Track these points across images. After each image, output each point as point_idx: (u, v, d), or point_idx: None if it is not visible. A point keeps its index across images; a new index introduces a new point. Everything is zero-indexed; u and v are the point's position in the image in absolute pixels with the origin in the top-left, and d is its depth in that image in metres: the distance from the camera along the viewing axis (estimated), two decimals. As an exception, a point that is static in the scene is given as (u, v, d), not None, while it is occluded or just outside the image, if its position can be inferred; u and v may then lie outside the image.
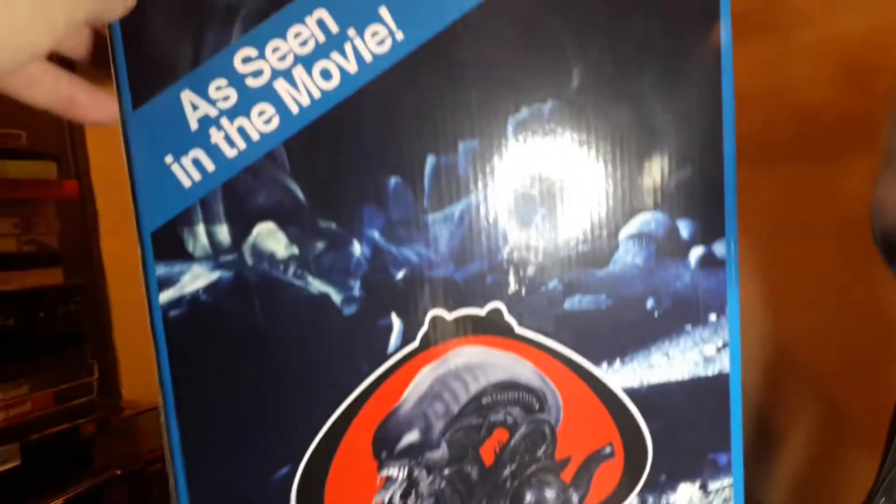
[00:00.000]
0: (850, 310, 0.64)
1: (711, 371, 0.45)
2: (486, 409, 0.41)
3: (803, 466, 0.72)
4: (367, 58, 0.39)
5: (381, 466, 0.40)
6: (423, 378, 0.40)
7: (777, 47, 0.67)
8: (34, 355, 0.91)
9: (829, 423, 0.69)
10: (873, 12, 0.64)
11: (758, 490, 0.74)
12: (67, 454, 0.90)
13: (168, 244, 0.37)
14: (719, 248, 0.44)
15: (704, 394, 0.45)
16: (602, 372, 0.43)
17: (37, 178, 0.92)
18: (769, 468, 0.73)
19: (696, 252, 0.44)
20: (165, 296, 0.37)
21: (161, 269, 0.37)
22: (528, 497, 0.43)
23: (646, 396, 0.44)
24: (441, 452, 0.41)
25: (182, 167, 0.37)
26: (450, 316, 0.40)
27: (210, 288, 0.38)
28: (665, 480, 0.45)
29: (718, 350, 0.45)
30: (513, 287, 0.41)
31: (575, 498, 0.44)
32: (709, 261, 0.44)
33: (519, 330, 0.41)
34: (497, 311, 0.41)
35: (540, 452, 0.43)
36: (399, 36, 0.39)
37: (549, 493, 0.43)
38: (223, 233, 0.37)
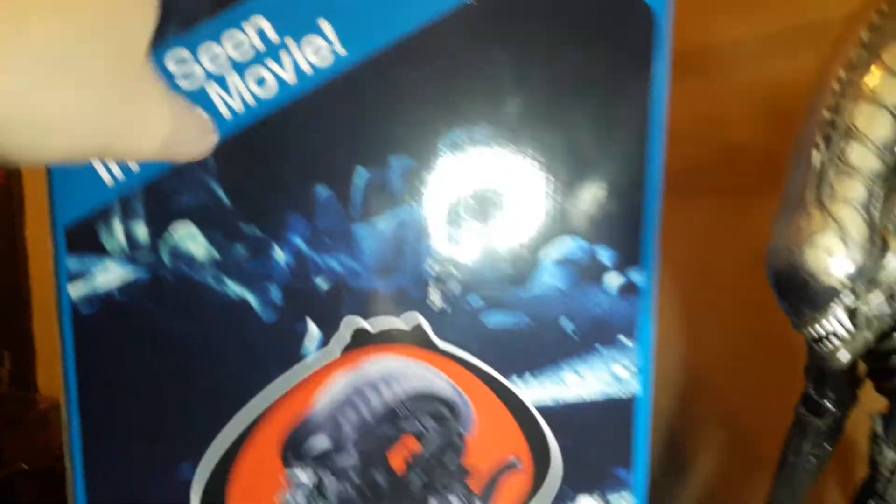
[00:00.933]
0: (762, 338, 0.67)
1: (622, 392, 0.47)
2: (399, 419, 0.42)
3: (711, 487, 0.75)
4: (307, 69, 0.39)
5: (288, 469, 0.41)
6: (337, 385, 0.41)
7: (712, 87, 0.70)
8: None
9: (736, 447, 0.73)
10: (805, 59, 0.68)
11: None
12: (-27, 447, 0.87)
13: (82, 238, 0.36)
14: (636, 276, 0.46)
15: (613, 413, 0.47)
16: (515, 387, 0.45)
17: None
18: (679, 488, 0.77)
19: (614, 278, 0.46)
20: (77, 291, 0.37)
21: (73, 263, 0.36)
22: None
23: (556, 412, 0.46)
24: (351, 459, 0.41)
25: (105, 164, 0.37)
26: (370, 326, 0.41)
27: (126, 288, 0.38)
28: (567, 492, 0.47)
29: (630, 372, 0.47)
30: (435, 301, 0.42)
31: None
32: (626, 287, 0.46)
33: (438, 343, 0.43)
34: (417, 325, 0.42)
35: (449, 461, 0.44)
36: (341, 51, 0.39)
37: (455, 501, 0.44)
38: (141, 230, 0.37)
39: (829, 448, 0.50)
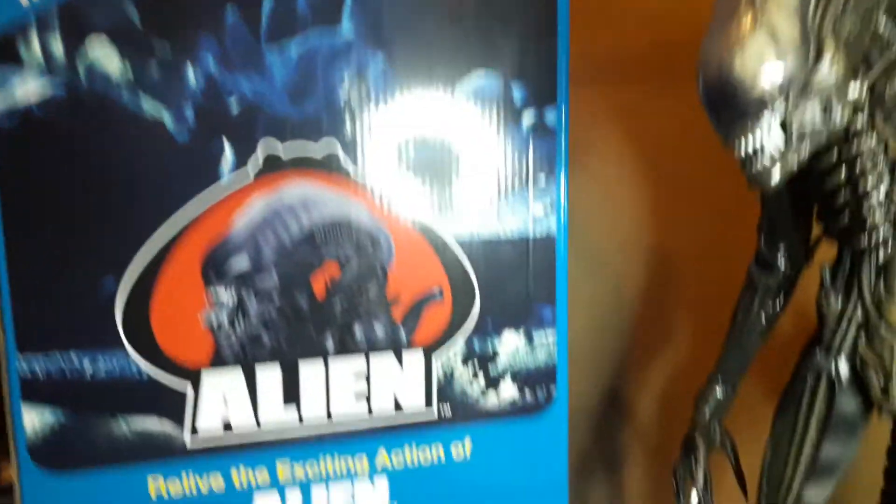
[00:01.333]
0: (693, 206, 0.69)
1: (539, 230, 0.48)
2: (318, 244, 0.44)
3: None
4: None
5: (209, 288, 0.42)
6: (254, 207, 0.42)
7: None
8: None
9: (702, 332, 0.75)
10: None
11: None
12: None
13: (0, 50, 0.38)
14: (551, 115, 0.47)
15: (532, 250, 0.49)
16: (434, 221, 0.46)
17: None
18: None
19: (528, 116, 0.47)
20: (-10, 98, 0.38)
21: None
22: (358, 331, 0.46)
23: (475, 247, 0.47)
24: (271, 281, 0.43)
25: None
26: (283, 148, 0.42)
27: (44, 104, 0.39)
28: (491, 327, 0.49)
29: (546, 211, 0.48)
30: (349, 129, 0.43)
31: (403, 335, 0.47)
32: (540, 126, 0.47)
33: (353, 171, 0.44)
34: (333, 149, 0.43)
35: (371, 290, 0.45)
36: None
37: (379, 329, 0.46)
38: (57, 45, 0.38)
39: (779, 307, 0.50)
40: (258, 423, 0.45)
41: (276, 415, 0.46)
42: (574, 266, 0.67)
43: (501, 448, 0.51)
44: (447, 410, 0.49)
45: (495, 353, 0.49)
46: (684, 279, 0.75)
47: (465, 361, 0.49)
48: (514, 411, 0.51)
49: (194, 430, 0.44)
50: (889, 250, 0.41)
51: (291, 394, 0.46)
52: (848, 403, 0.44)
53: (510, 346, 0.49)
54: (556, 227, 0.49)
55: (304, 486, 0.48)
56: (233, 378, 0.44)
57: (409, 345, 0.47)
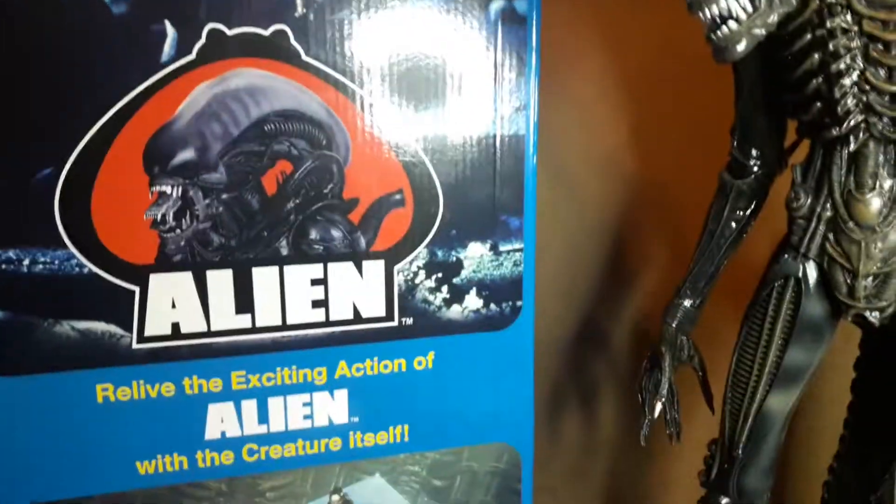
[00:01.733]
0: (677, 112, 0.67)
1: (507, 131, 0.46)
2: (269, 137, 0.41)
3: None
4: None
5: (152, 182, 0.40)
6: (199, 95, 0.40)
7: None
8: None
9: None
10: None
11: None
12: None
13: None
14: (520, 2, 0.44)
15: (499, 153, 0.47)
16: (395, 117, 0.44)
17: None
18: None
19: (497, 4, 0.44)
20: None
21: None
22: (313, 233, 0.44)
23: (438, 148, 0.45)
24: (218, 175, 0.41)
25: None
26: (230, 31, 0.40)
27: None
28: (455, 236, 0.47)
29: (514, 109, 0.46)
30: (300, 10, 0.40)
31: (362, 240, 0.45)
32: (509, 14, 0.44)
33: (305, 58, 0.41)
34: (282, 33, 0.40)
35: (326, 190, 0.43)
36: None
37: (336, 232, 0.44)
38: None
39: (749, 212, 0.48)
40: (210, 331, 0.44)
41: (229, 322, 0.44)
42: (549, 191, 0.65)
43: (465, 362, 0.50)
44: (409, 322, 0.48)
45: (459, 264, 0.48)
46: (662, 206, 0.74)
47: (427, 272, 0.47)
48: (479, 325, 0.49)
49: (142, 335, 0.42)
50: (861, 136, 0.39)
51: (245, 302, 0.44)
52: (814, 308, 0.43)
53: (475, 257, 0.48)
54: (524, 127, 0.46)
55: (261, 397, 0.46)
56: (182, 281, 0.42)
57: (369, 252, 0.46)
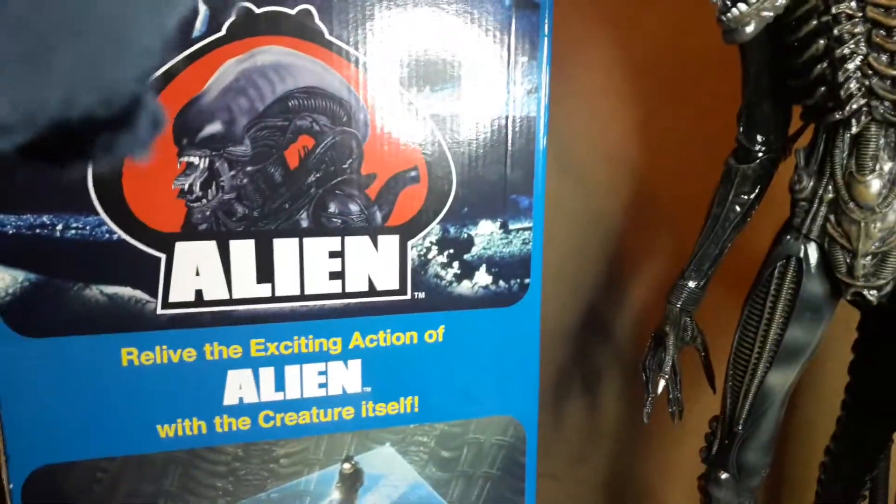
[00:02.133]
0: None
1: (519, 112, 0.48)
2: (292, 112, 0.43)
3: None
4: None
5: (181, 153, 0.42)
6: (227, 70, 0.41)
7: None
8: None
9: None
10: None
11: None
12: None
13: None
14: (535, -13, 0.46)
15: (510, 134, 0.48)
16: (412, 96, 0.46)
17: None
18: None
19: (512, -13, 0.46)
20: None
21: None
22: (332, 207, 0.46)
23: (453, 128, 0.47)
24: (244, 148, 0.43)
25: None
26: (258, 9, 0.41)
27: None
28: (467, 213, 0.49)
29: (528, 93, 0.48)
30: (324, -7, 0.42)
31: (378, 215, 0.47)
32: (524, 2, 0.46)
33: (328, 37, 0.43)
34: (307, 13, 0.42)
35: (346, 165, 0.45)
36: None
37: (353, 206, 0.46)
38: None
39: (753, 197, 0.50)
40: (231, 299, 0.46)
41: (250, 291, 0.46)
42: (556, 180, 0.66)
43: (474, 336, 0.51)
44: (421, 296, 0.49)
45: (470, 241, 0.49)
46: (668, 197, 0.75)
47: (439, 247, 0.49)
48: (488, 301, 0.51)
49: (166, 301, 0.44)
50: (863, 120, 0.41)
51: (265, 271, 0.46)
52: (815, 287, 0.45)
53: (485, 234, 0.49)
54: (535, 110, 0.48)
55: (278, 365, 0.48)
56: (206, 250, 0.44)
57: (384, 226, 0.47)
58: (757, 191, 0.50)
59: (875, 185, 0.42)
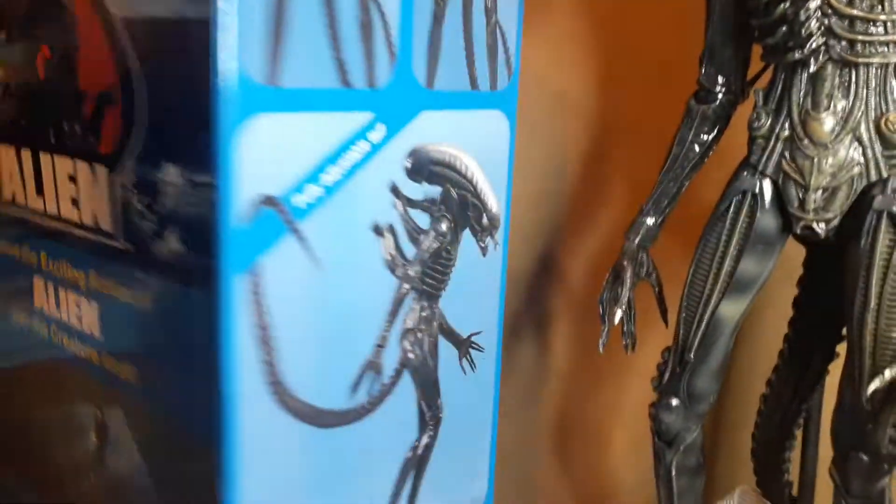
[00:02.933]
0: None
1: (195, 10, 0.32)
2: (37, 20, 0.41)
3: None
4: None
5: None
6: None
7: None
8: None
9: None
10: None
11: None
12: None
13: None
14: None
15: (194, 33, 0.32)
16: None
17: None
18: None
19: None
20: None
21: None
22: (66, 126, 0.40)
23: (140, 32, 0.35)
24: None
25: None
26: None
27: None
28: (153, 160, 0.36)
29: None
30: None
31: (91, 139, 0.39)
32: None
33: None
34: None
35: (70, 77, 0.40)
36: None
37: (77, 126, 0.40)
38: None
39: (712, 137, 0.51)
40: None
41: (32, 202, 0.43)
42: (517, 130, 0.66)
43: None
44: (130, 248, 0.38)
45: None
46: (629, 148, 0.76)
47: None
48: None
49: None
50: (820, 59, 0.43)
51: (39, 184, 0.43)
52: (768, 221, 0.47)
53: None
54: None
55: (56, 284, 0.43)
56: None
57: (98, 153, 0.39)
58: (715, 131, 0.51)
59: (829, 122, 0.44)
